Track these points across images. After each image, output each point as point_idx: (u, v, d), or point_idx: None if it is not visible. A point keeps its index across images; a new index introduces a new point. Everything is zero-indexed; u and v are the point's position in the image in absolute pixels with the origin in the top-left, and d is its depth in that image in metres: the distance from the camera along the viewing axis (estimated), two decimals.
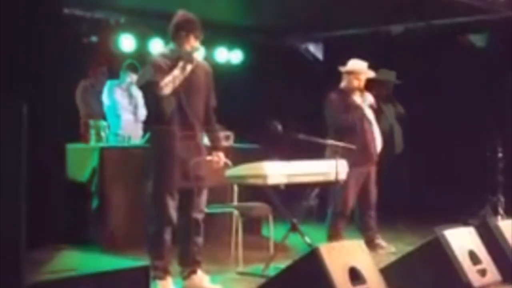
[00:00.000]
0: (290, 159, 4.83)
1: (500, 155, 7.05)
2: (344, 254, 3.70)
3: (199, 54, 4.31)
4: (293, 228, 5.01)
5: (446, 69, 7.83)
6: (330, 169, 4.99)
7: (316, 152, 5.47)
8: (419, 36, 7.83)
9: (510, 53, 7.57)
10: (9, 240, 2.61)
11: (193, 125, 4.29)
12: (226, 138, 6.63)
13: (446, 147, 7.84)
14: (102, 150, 5.83)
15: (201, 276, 4.39)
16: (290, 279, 3.68)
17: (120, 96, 6.62)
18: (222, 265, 5.18)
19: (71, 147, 6.00)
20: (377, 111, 6.14)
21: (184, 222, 4.33)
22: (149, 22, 7.65)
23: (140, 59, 7.42)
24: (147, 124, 4.53)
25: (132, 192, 5.83)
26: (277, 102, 8.22)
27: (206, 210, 5.09)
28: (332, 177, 4.96)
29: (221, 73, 7.80)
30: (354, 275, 3.63)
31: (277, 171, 4.72)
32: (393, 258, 4.49)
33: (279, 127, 4.91)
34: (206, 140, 4.59)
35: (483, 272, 4.27)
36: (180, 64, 4.22)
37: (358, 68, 5.92)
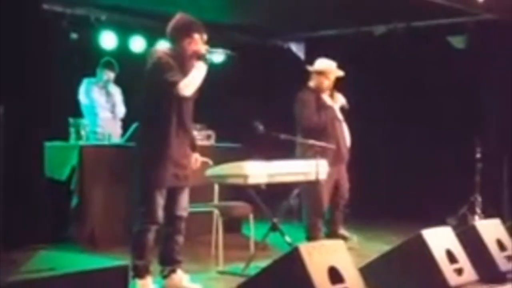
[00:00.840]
0: (272, 159, 4.84)
1: (478, 155, 7.12)
2: (324, 253, 3.72)
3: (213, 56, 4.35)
4: (274, 228, 5.03)
5: (426, 70, 7.90)
6: (311, 168, 5.02)
7: (293, 152, 5.49)
8: (400, 37, 7.89)
9: (489, 55, 7.66)
10: None
11: (187, 125, 4.31)
12: (207, 137, 6.64)
13: (425, 147, 7.91)
14: (82, 148, 5.80)
15: (181, 276, 4.39)
16: (270, 278, 3.69)
17: (97, 94, 6.58)
18: (203, 264, 5.18)
19: (50, 145, 5.96)
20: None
21: (168, 220, 4.33)
22: (130, 20, 7.62)
23: (120, 57, 7.42)
24: (140, 122, 4.41)
25: (111, 191, 5.81)
26: (258, 102, 8.24)
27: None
28: (312, 177, 4.98)
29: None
30: (334, 274, 3.65)
31: (258, 171, 4.73)
32: (369, 257, 4.53)
33: (261, 127, 4.93)
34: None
35: (459, 271, 4.32)
36: (198, 64, 4.23)
37: (328, 67, 5.95)
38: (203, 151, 5.64)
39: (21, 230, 5.52)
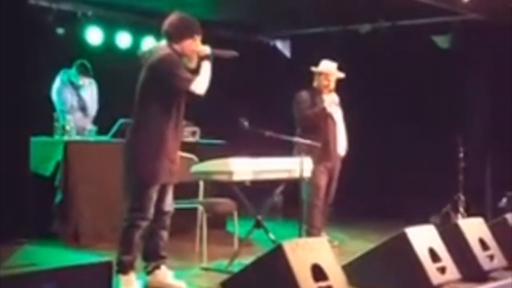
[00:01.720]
0: (257, 156, 4.85)
1: (461, 154, 7.18)
2: (308, 251, 3.75)
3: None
4: (258, 224, 5.04)
5: (411, 69, 7.95)
6: (295, 166, 5.03)
7: (283, 149, 5.51)
8: (385, 36, 7.93)
9: (473, 55, 7.73)
10: None
11: (181, 121, 4.33)
12: (192, 133, 6.64)
13: (408, 145, 7.97)
14: (67, 144, 5.77)
15: (164, 272, 4.39)
16: (254, 275, 3.71)
17: (69, 95, 6.55)
18: (187, 261, 5.18)
19: (35, 140, 5.93)
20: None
21: (155, 216, 4.32)
22: (116, 15, 7.59)
23: (106, 52, 7.38)
24: (135, 119, 4.34)
25: (96, 187, 5.79)
26: (243, 98, 8.24)
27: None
28: (296, 174, 5.00)
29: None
30: (317, 271, 3.68)
31: (243, 168, 4.74)
32: (353, 255, 4.56)
33: (246, 124, 4.93)
34: None
35: (442, 270, 4.35)
36: (205, 64, 4.30)
37: (327, 68, 6.05)
38: (188, 147, 5.66)
39: (5, 225, 5.48)
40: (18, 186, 5.76)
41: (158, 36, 4.89)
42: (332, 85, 6.06)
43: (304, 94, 6.03)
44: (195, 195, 5.40)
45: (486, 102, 7.69)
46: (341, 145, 6.10)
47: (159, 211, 4.32)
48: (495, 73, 7.56)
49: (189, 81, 4.19)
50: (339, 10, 7.40)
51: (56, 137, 5.96)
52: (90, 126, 6.41)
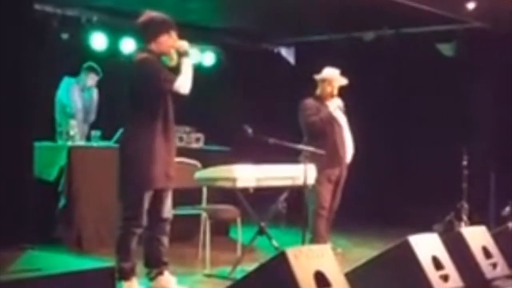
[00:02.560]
0: (260, 163, 4.85)
1: (464, 162, 7.17)
2: (311, 258, 3.74)
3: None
4: (261, 231, 5.04)
5: (415, 77, 7.95)
6: (299, 173, 5.03)
7: (287, 156, 5.51)
8: (389, 44, 7.94)
9: (477, 63, 7.73)
10: None
11: (171, 125, 4.30)
12: (196, 140, 6.65)
13: (413, 153, 7.96)
14: (70, 149, 5.79)
15: (167, 278, 4.39)
16: (257, 282, 3.70)
17: (77, 97, 6.57)
18: (190, 267, 5.18)
19: (39, 145, 5.94)
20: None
21: (153, 223, 4.32)
22: (121, 21, 7.61)
23: (111, 58, 7.40)
24: (126, 125, 4.37)
25: (99, 192, 5.79)
26: (248, 105, 8.26)
27: (175, 211, 5.11)
28: (300, 181, 5.00)
29: (192, 75, 7.83)
30: (320, 279, 3.67)
31: (247, 175, 4.74)
32: (356, 262, 4.55)
33: (250, 131, 4.94)
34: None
35: (445, 278, 4.34)
36: (185, 61, 4.25)
37: (330, 75, 6.05)
38: (192, 154, 5.67)
39: (8, 229, 5.48)
40: (21, 191, 5.77)
41: None
42: (335, 91, 6.07)
43: (309, 102, 6.04)
44: (199, 201, 5.41)
45: (491, 109, 7.67)
46: (349, 152, 6.09)
47: (158, 218, 4.31)
48: (500, 81, 7.55)
49: (171, 82, 4.16)
50: (344, 18, 7.41)
51: (60, 142, 5.98)
52: (87, 133, 6.45)
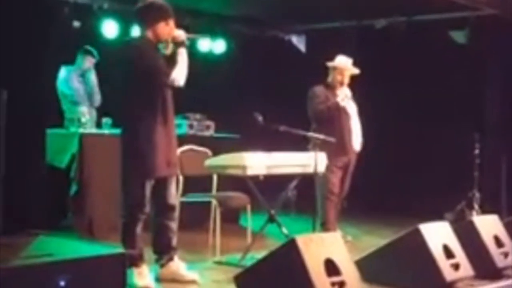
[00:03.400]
0: (271, 150, 4.85)
1: (476, 151, 7.13)
2: (321, 245, 3.74)
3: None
4: (271, 219, 5.04)
5: (427, 64, 7.90)
6: (309, 161, 5.03)
7: (297, 144, 5.50)
8: (401, 31, 7.88)
9: (490, 50, 7.66)
10: None
11: (169, 112, 4.30)
12: (207, 127, 6.65)
13: (424, 142, 7.92)
14: (82, 136, 5.81)
15: (178, 263, 4.40)
16: (267, 269, 3.71)
17: (77, 84, 6.57)
18: (200, 254, 5.20)
19: (51, 132, 5.97)
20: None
21: (160, 209, 4.33)
22: (132, 8, 7.59)
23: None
24: (128, 111, 4.35)
25: (111, 179, 5.79)
26: (258, 93, 8.24)
27: (185, 199, 5.12)
28: (310, 169, 4.99)
29: (203, 63, 7.83)
30: (330, 266, 3.67)
31: (257, 162, 4.74)
32: (366, 251, 4.55)
33: (260, 118, 4.93)
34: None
35: (456, 266, 4.34)
36: (181, 52, 4.21)
37: (341, 64, 6.04)
38: (203, 141, 5.67)
39: (20, 216, 5.53)
40: (33, 178, 5.81)
41: None
42: (346, 80, 6.06)
43: (318, 89, 6.03)
44: (209, 188, 5.42)
45: (503, 98, 7.61)
46: (356, 140, 6.08)
47: (165, 205, 4.32)
48: None
49: (167, 75, 4.14)
50: (355, 5, 7.36)
51: (72, 129, 6.00)
52: (95, 119, 6.46)
